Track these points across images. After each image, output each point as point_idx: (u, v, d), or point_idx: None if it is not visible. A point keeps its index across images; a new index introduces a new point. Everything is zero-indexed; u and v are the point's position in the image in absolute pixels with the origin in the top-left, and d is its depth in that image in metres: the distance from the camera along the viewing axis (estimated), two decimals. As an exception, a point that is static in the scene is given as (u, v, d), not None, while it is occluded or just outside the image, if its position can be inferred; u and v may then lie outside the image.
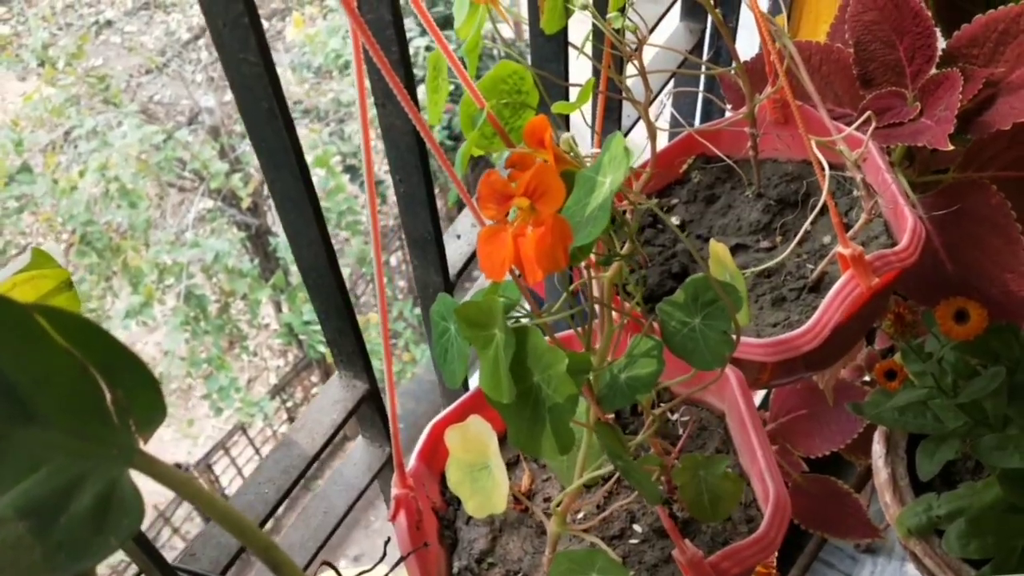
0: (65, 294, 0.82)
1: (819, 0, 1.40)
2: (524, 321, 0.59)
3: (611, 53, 0.85)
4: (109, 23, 6.23)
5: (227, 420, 4.98)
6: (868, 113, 0.90)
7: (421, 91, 2.01)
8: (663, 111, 1.34)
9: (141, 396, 0.38)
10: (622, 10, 0.80)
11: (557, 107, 0.71)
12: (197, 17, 6.03)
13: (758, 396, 1.52)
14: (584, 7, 0.78)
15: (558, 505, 0.73)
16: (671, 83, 1.14)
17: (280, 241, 4.58)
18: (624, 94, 0.84)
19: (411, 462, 0.85)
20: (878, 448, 1.24)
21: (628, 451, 0.65)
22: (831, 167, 0.99)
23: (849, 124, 0.94)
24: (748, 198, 1.03)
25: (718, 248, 0.79)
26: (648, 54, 1.21)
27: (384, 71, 0.52)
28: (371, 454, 0.83)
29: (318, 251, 0.69)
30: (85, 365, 0.39)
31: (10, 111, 4.89)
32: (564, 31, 0.83)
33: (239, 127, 4.65)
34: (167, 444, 5.37)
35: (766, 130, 1.03)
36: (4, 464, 0.38)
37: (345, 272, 4.53)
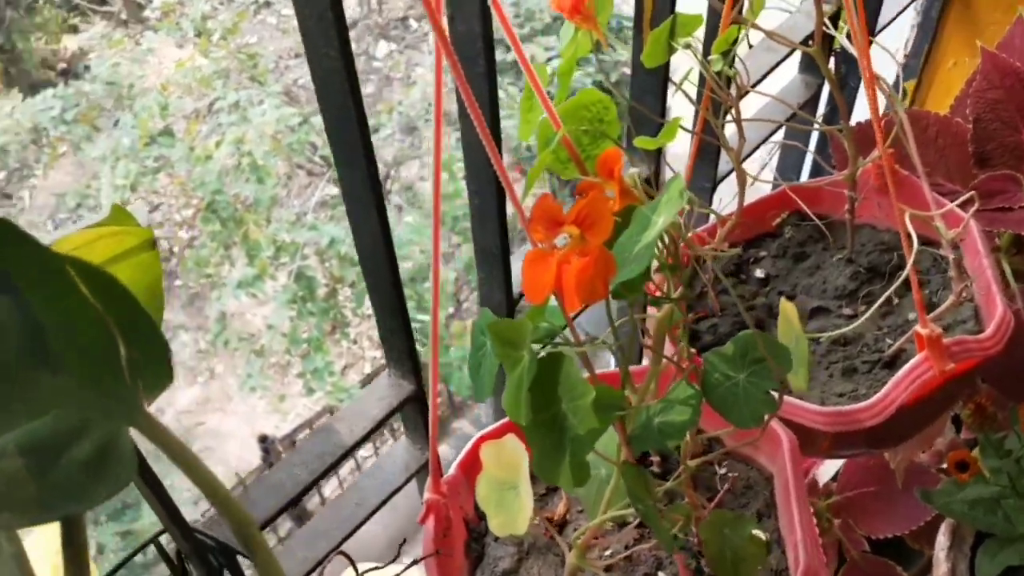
0: (146, 253, 0.85)
1: (952, 71, 1.36)
2: (563, 348, 0.59)
3: (711, 96, 0.84)
4: (268, 3, 6.47)
5: (317, 401, 5.08)
6: (971, 193, 0.86)
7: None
8: (771, 160, 1.32)
9: (154, 360, 0.40)
10: (725, 54, 0.79)
11: (638, 141, 0.71)
12: (352, 9, 6.21)
13: (831, 466, 1.48)
14: (687, 47, 0.77)
15: (579, 537, 0.72)
16: (780, 134, 1.12)
17: (396, 236, 4.66)
18: (720, 140, 0.83)
19: (452, 470, 0.85)
20: (942, 540, 1.18)
21: (653, 495, 0.64)
22: (930, 244, 0.96)
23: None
24: (838, 262, 1.01)
25: (788, 308, 0.78)
26: (760, 102, 1.19)
27: (460, 86, 0.53)
28: (411, 455, 0.84)
29: (377, 247, 0.71)
30: (107, 321, 0.40)
31: (163, 75, 5.11)
32: (665, 67, 0.83)
33: (372, 120, 4.77)
34: (258, 415, 5.52)
35: (867, 196, 1.00)
36: (21, 401, 0.39)
37: (451, 277, 4.58)
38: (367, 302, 5.27)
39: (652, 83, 0.85)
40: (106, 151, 4.48)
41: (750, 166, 1.16)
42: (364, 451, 4.76)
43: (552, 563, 0.85)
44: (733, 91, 0.79)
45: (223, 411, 5.62)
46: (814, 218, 0.97)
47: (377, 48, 6.47)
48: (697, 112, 0.86)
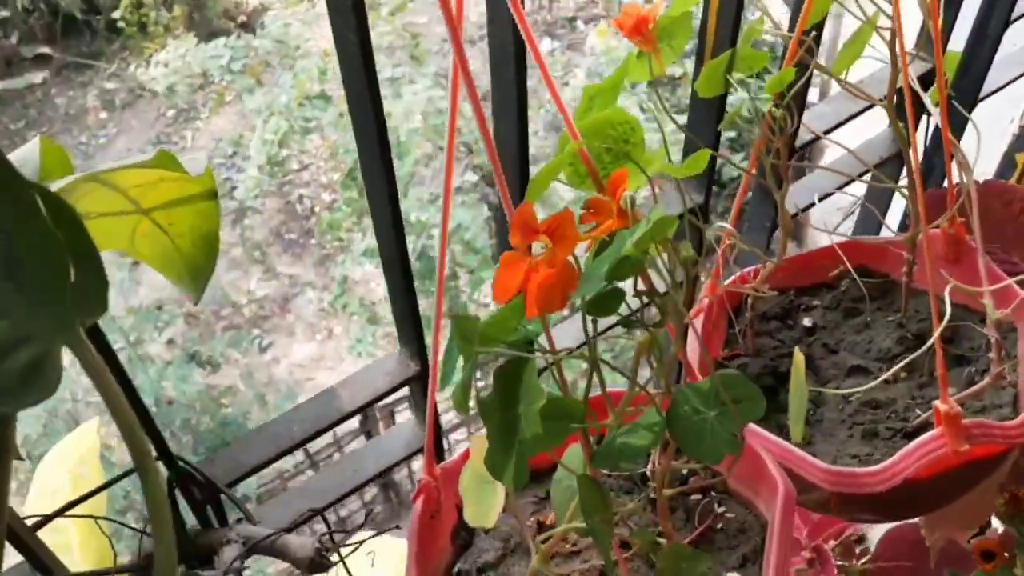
0: (207, 203, 0.91)
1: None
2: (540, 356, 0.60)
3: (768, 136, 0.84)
4: (443, -13, 6.61)
5: (418, 377, 5.18)
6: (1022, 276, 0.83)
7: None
8: (855, 211, 1.29)
9: (95, 290, 0.44)
10: (782, 97, 0.79)
11: (667, 168, 0.72)
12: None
13: (879, 531, 1.43)
14: (741, 83, 0.77)
15: (544, 542, 0.74)
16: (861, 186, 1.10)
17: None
18: (768, 183, 0.83)
19: (456, 457, 0.88)
20: (966, 629, 1.14)
21: (607, 512, 0.65)
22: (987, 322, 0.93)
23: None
24: (889, 324, 0.99)
25: (799, 359, 0.77)
26: (836, 151, 1.17)
27: (470, 96, 0.55)
28: (414, 434, 0.87)
29: (390, 233, 0.74)
30: (63, 247, 0.44)
31: (328, 41, 5.30)
32: (722, 98, 0.83)
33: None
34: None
35: (931, 263, 0.97)
36: (-17, 308, 0.44)
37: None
38: (484, 290, 5.34)
39: (705, 113, 0.85)
40: (262, 105, 4.68)
41: (829, 214, 1.14)
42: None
43: (533, 565, 0.86)
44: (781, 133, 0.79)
45: (333, 370, 5.80)
46: (857, 277, 0.95)
47: (540, 44, 6.53)
48: (746, 150, 0.86)
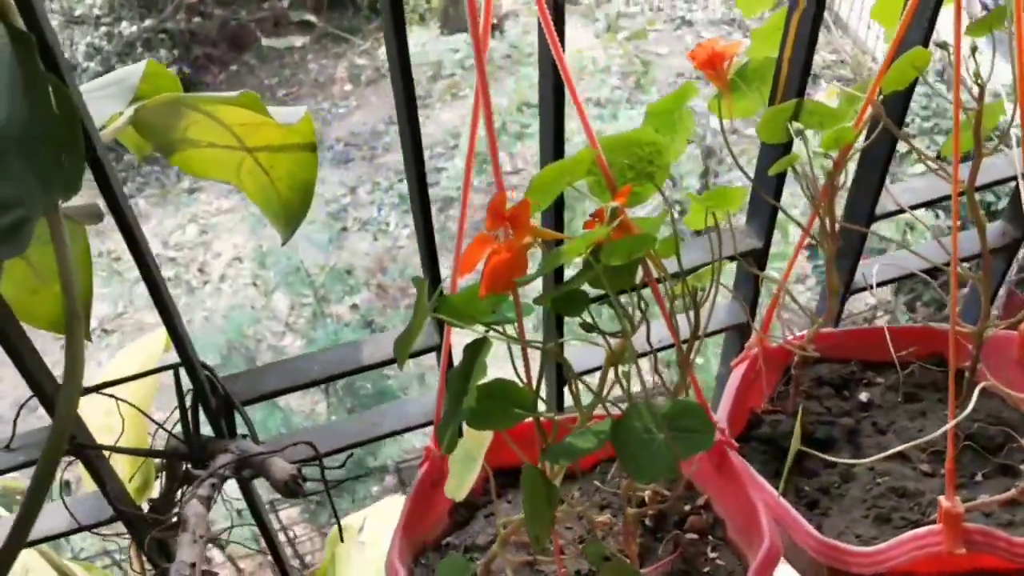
0: (306, 154, 0.99)
1: None
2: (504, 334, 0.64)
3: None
4: (690, 23, 6.64)
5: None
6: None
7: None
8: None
9: (73, 176, 0.51)
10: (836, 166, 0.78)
11: (695, 198, 0.73)
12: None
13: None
14: (799, 133, 0.78)
15: (504, 526, 0.76)
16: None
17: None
18: (819, 240, 0.83)
19: (469, 434, 0.91)
20: None
21: (549, 504, 0.67)
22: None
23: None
24: (945, 417, 0.94)
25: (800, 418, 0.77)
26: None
27: (486, 114, 0.60)
28: (435, 404, 0.91)
29: (418, 205, 0.78)
30: (66, 136, 0.52)
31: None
32: (788, 145, 0.83)
33: (728, 159, 4.78)
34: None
35: (1004, 363, 0.93)
36: None
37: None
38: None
39: (770, 157, 0.85)
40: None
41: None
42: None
43: (519, 559, 0.89)
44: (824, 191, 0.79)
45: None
46: (897, 367, 0.92)
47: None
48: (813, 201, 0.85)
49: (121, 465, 0.97)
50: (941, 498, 0.77)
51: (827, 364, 1.00)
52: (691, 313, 0.71)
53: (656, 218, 0.73)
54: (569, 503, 0.78)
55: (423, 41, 5.63)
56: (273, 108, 0.85)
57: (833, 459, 0.83)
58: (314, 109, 6.99)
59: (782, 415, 0.95)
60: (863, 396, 0.98)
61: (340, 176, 6.33)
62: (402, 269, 5.64)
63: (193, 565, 0.66)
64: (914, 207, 0.95)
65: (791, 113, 0.77)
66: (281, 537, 3.25)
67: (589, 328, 0.63)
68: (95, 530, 0.89)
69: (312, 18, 7.44)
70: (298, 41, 7.48)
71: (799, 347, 0.91)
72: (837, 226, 0.81)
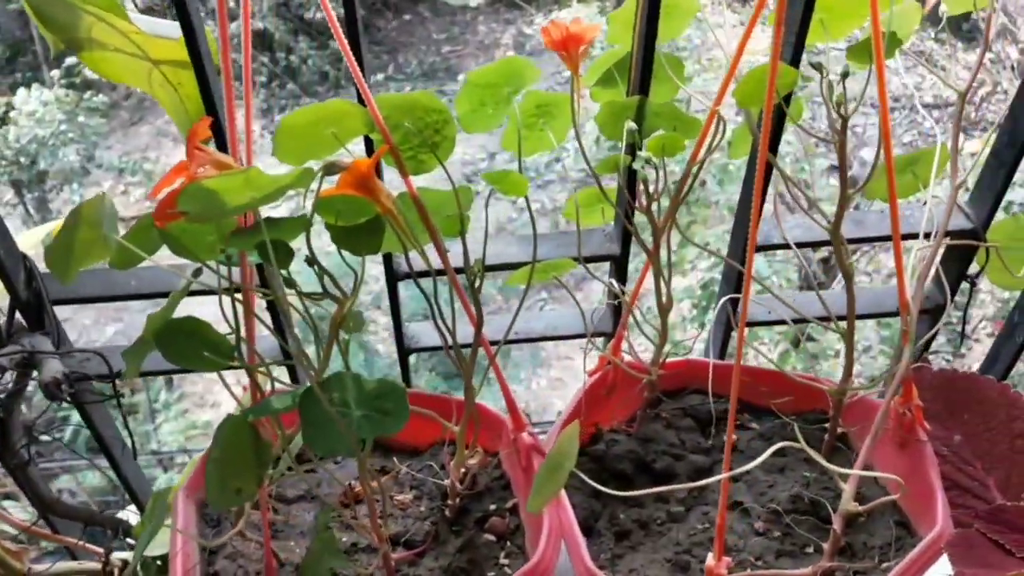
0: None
1: None
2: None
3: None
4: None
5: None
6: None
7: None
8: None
9: None
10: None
11: (486, 176, 0.68)
12: None
13: None
14: (631, 134, 0.72)
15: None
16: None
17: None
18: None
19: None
20: None
21: (257, 456, 0.64)
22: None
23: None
24: (801, 478, 0.87)
25: (571, 432, 0.72)
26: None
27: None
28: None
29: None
30: None
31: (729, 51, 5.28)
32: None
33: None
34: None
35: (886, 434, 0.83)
36: None
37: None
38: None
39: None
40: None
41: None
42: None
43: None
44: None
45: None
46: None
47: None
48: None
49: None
50: (709, 556, 0.70)
51: (701, 395, 0.93)
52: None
53: (443, 192, 0.69)
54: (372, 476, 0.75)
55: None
56: (145, 17, 0.84)
57: (621, 493, 0.76)
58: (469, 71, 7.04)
59: (623, 436, 0.89)
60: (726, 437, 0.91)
61: (482, 140, 6.36)
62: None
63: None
64: (801, 245, 0.87)
65: (633, 112, 0.71)
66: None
67: (290, 284, 0.60)
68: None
69: (495, -20, 7.48)
70: (473, 1, 7.54)
71: (645, 372, 0.85)
72: (674, 239, 0.74)
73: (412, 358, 1.10)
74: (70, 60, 6.27)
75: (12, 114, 5.74)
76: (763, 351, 3.52)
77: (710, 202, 4.48)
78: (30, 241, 0.99)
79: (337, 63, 6.87)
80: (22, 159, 5.69)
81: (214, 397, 4.97)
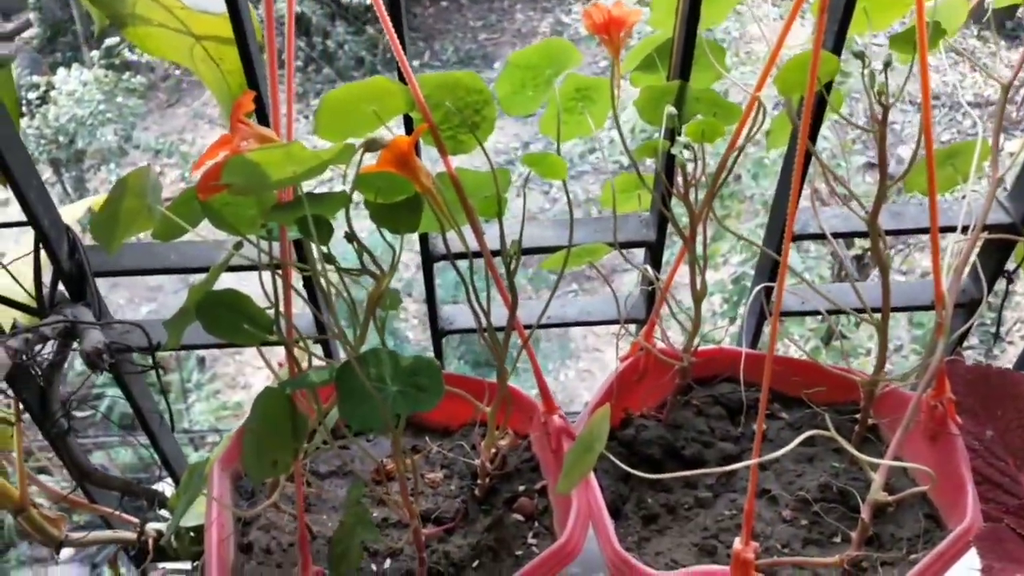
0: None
1: None
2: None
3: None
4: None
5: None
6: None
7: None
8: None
9: None
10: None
11: (527, 158, 0.69)
12: None
13: None
14: (671, 120, 0.72)
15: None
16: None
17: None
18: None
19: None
20: None
21: (292, 426, 0.65)
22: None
23: None
24: (831, 468, 0.87)
25: (604, 412, 0.72)
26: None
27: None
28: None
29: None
30: None
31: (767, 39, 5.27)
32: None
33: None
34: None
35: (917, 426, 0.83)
36: None
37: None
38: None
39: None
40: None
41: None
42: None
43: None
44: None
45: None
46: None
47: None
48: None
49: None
50: (736, 540, 0.71)
51: (732, 384, 0.93)
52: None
53: (481, 173, 0.70)
54: (405, 453, 0.76)
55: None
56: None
57: (655, 476, 0.77)
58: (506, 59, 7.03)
59: (653, 423, 0.89)
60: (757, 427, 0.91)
61: (516, 129, 6.36)
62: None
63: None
64: (837, 235, 0.86)
65: (673, 97, 0.71)
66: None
67: (329, 260, 0.61)
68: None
69: (535, -32, 7.46)
70: (511, -11, 7.54)
71: (676, 358, 0.85)
72: (711, 230, 0.74)
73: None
74: (110, 41, 6.34)
75: (52, 93, 5.82)
76: (796, 344, 3.51)
77: (744, 196, 4.45)
78: (68, 216, 1.01)
79: (373, 49, 6.89)
80: (61, 138, 5.76)
81: (246, 379, 5.03)
